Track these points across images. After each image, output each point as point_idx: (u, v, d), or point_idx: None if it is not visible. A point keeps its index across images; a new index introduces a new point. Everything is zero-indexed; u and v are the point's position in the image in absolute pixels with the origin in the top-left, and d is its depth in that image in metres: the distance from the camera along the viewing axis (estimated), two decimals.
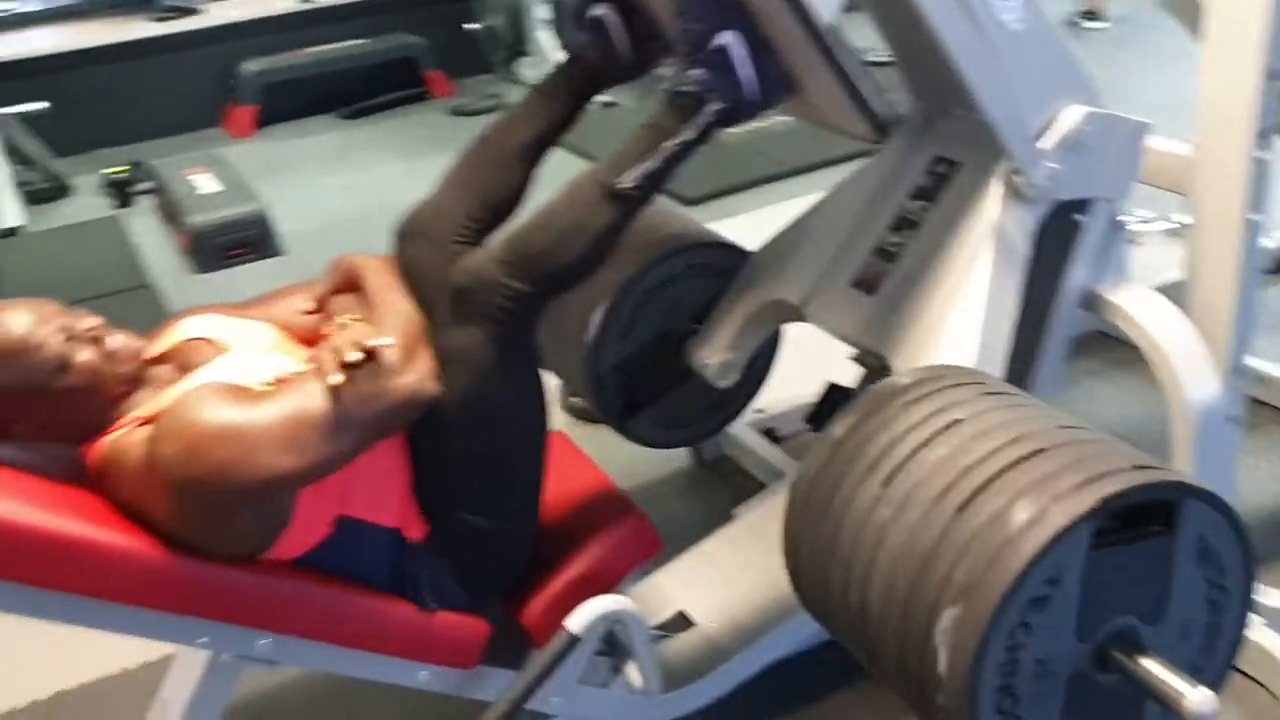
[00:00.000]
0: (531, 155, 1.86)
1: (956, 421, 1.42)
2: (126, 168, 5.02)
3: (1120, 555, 1.33)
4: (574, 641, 1.63)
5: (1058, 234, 1.93)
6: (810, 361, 2.30)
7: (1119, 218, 1.96)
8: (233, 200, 4.42)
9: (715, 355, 2.16)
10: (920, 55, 1.85)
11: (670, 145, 1.61)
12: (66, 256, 4.44)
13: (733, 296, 2.19)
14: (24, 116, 5.25)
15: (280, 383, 1.50)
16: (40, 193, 5.22)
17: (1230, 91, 1.85)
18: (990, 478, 1.33)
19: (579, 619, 1.63)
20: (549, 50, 5.93)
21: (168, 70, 5.90)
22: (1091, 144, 1.84)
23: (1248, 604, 1.41)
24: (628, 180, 1.60)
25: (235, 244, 4.24)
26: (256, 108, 5.84)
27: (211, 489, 1.39)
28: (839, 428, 1.52)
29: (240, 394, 1.46)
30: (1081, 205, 1.91)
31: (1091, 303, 1.98)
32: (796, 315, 2.08)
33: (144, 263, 4.36)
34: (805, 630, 1.91)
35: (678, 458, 2.77)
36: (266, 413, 1.42)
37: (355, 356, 1.44)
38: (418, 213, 1.84)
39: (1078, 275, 1.95)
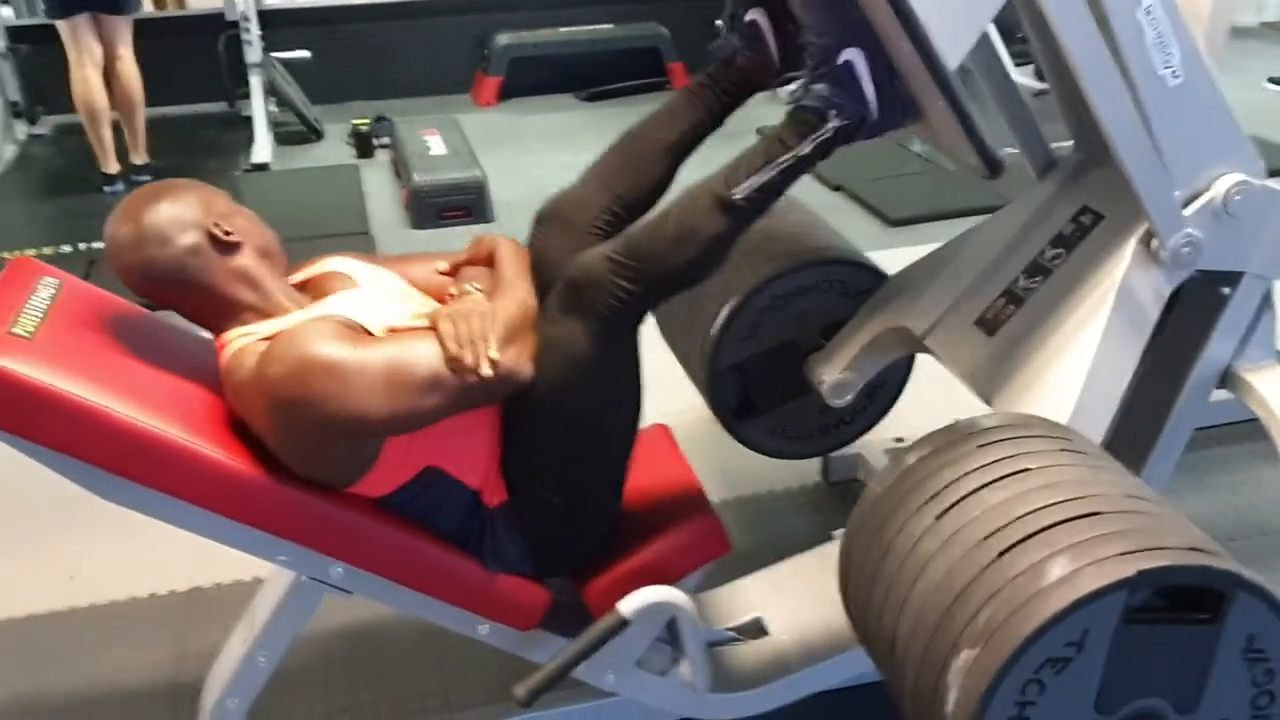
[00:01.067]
0: (676, 154, 1.90)
1: (1025, 470, 1.42)
2: (368, 121, 5.36)
3: (1157, 635, 1.30)
4: (622, 623, 1.69)
5: (1200, 304, 1.86)
6: (955, 394, 2.27)
7: (1272, 295, 1.86)
8: (456, 164, 4.67)
9: (832, 373, 2.16)
10: (1077, 99, 1.80)
11: (785, 158, 1.62)
12: (301, 196, 4.80)
13: (861, 318, 2.19)
14: (289, 63, 5.69)
15: (394, 332, 1.62)
16: (295, 135, 5.67)
17: None
18: (1039, 529, 1.32)
19: (630, 603, 1.69)
20: None
21: (428, 33, 6.27)
22: (1243, 215, 1.75)
23: None
24: (740, 191, 1.63)
25: (451, 206, 4.49)
26: (501, 79, 6.12)
27: (304, 415, 1.52)
28: (912, 456, 1.53)
29: (355, 334, 1.58)
30: (1230, 277, 1.83)
31: (1228, 381, 1.89)
32: (918, 345, 2.07)
33: (369, 212, 4.66)
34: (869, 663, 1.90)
35: (809, 475, 2.78)
36: (372, 357, 1.54)
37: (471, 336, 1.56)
38: (559, 199, 1.91)
39: (1217, 349, 1.87)
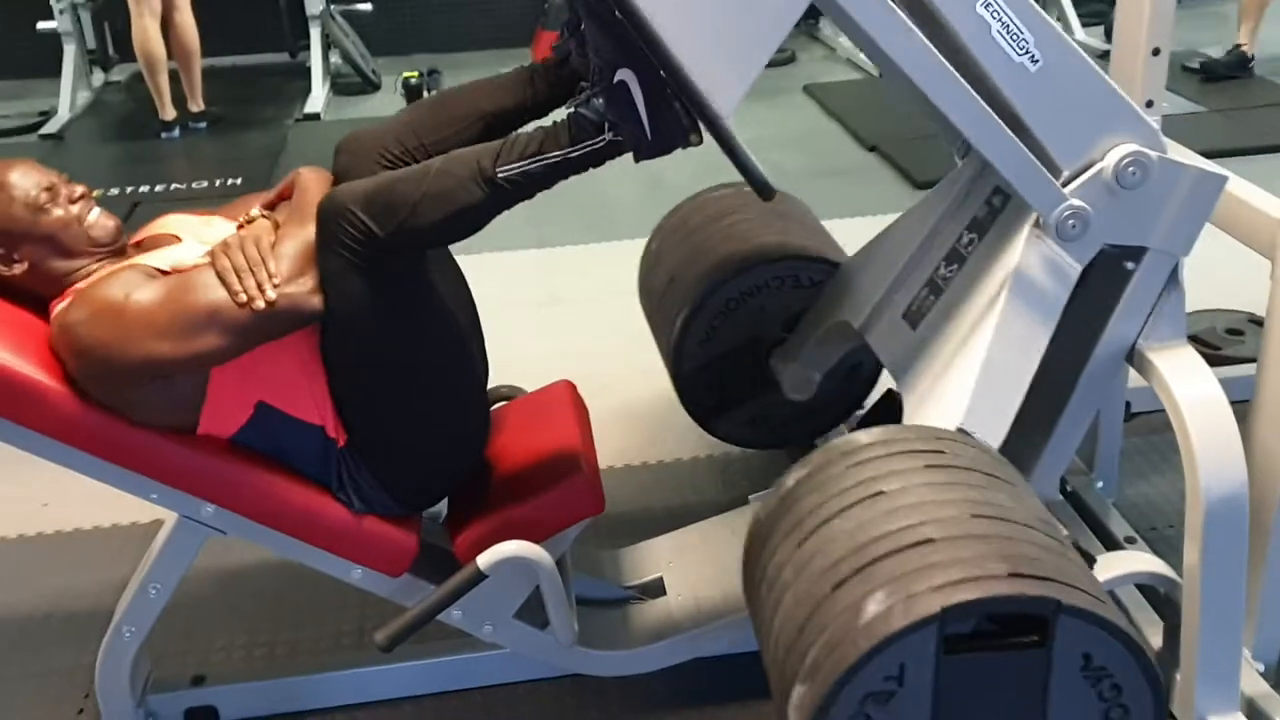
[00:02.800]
0: (488, 125, 1.84)
1: (878, 494, 1.44)
2: (418, 73, 5.43)
3: (985, 662, 1.30)
4: (480, 577, 1.72)
5: (1105, 280, 1.79)
6: None
7: (1180, 273, 1.78)
8: None
9: (791, 367, 2.16)
10: None
11: (554, 156, 1.60)
12: None
13: (814, 311, 2.19)
14: (350, 15, 5.79)
15: (177, 271, 1.65)
16: (353, 86, 5.78)
17: None
18: (868, 562, 1.34)
19: (488, 557, 1.72)
20: None
21: None
22: (1140, 188, 1.67)
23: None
24: (504, 171, 1.60)
25: None
26: (558, 34, 6.11)
27: (98, 359, 1.59)
28: (791, 478, 1.55)
29: (144, 278, 1.63)
30: (1133, 252, 1.75)
31: (1134, 360, 1.82)
32: (860, 339, 2.04)
33: None
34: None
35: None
36: (152, 296, 1.59)
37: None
38: (358, 131, 1.89)
39: (1122, 327, 1.80)
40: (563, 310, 3.45)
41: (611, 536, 2.25)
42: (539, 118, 1.84)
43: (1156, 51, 1.89)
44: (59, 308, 1.67)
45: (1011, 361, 1.70)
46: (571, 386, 2.10)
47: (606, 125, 1.57)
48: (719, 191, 2.51)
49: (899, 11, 1.54)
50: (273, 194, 1.84)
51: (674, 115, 1.55)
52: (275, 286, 1.59)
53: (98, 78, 5.91)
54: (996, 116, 1.61)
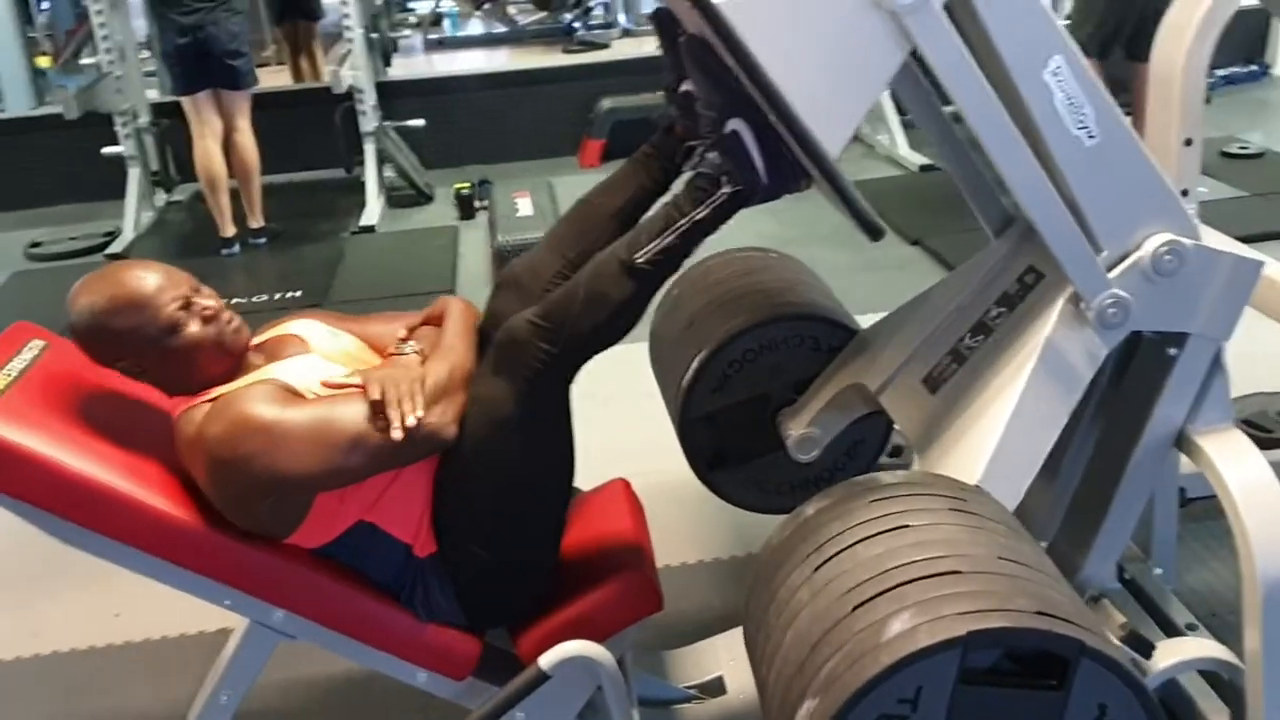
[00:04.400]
0: (622, 219, 1.96)
1: (904, 527, 1.45)
2: (469, 184, 5.60)
3: (1000, 698, 1.30)
4: (542, 678, 1.75)
5: (1150, 365, 1.82)
6: None
7: (1223, 357, 1.80)
8: (539, 225, 4.83)
9: (798, 428, 2.18)
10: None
11: (683, 223, 1.67)
12: (398, 256, 5.06)
13: (827, 374, 2.21)
14: (405, 130, 6.00)
15: (328, 391, 1.73)
16: (407, 198, 5.96)
17: None
18: (894, 585, 1.35)
19: (550, 657, 1.74)
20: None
21: (536, 99, 6.52)
22: (1177, 276, 1.71)
23: None
24: (643, 256, 1.69)
25: None
26: (605, 142, 6.29)
27: (237, 472, 1.65)
28: (811, 507, 1.57)
29: (290, 396, 1.70)
30: (1175, 338, 1.78)
31: (1183, 444, 1.84)
32: (874, 402, 2.07)
33: (460, 270, 4.87)
34: None
35: None
36: (298, 417, 1.66)
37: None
38: (514, 265, 2.02)
39: (1168, 411, 1.82)
40: (614, 409, 3.49)
41: (670, 636, 2.26)
42: (664, 192, 1.96)
43: (1189, 142, 1.93)
44: (187, 412, 1.73)
45: (1032, 432, 1.73)
46: (627, 485, 2.15)
47: (723, 178, 1.65)
48: (746, 251, 2.55)
49: (979, 73, 1.59)
50: (419, 318, 1.94)
51: (785, 161, 1.63)
52: (419, 418, 1.66)
53: (160, 198, 6.14)
54: (1057, 193, 1.65)
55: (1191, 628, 2.23)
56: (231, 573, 1.74)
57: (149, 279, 1.73)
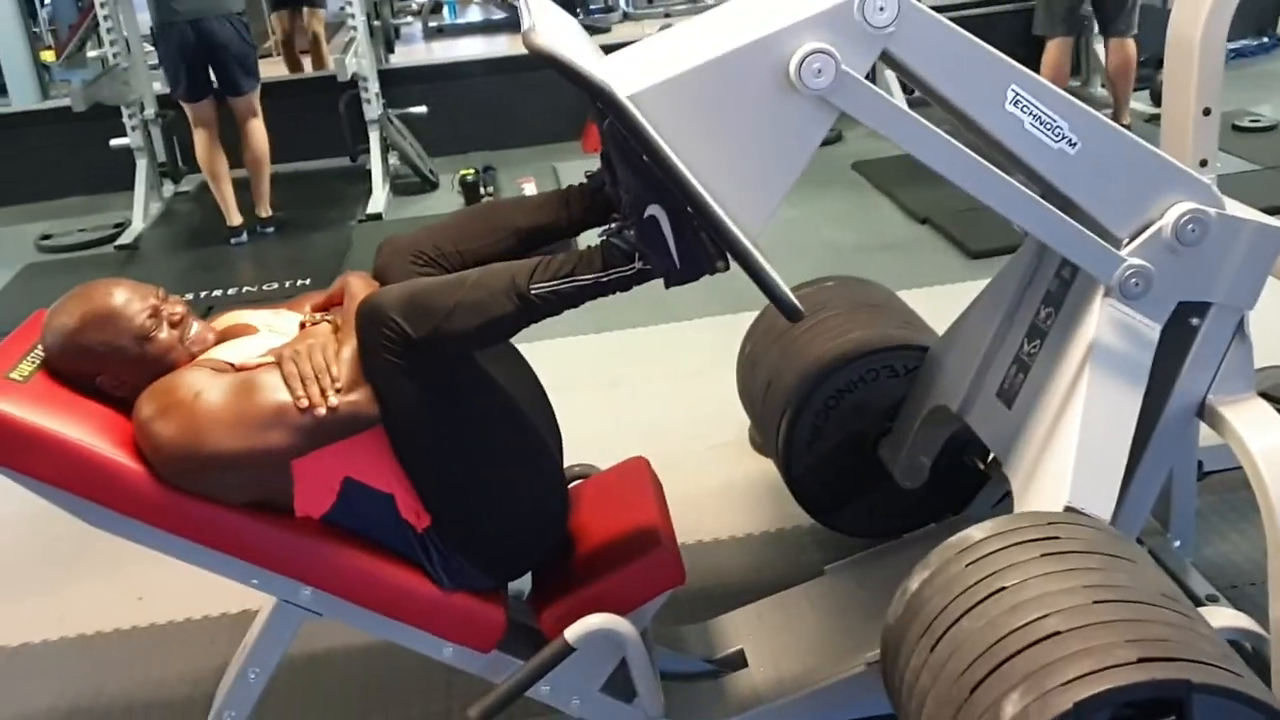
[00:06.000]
0: (521, 241, 1.92)
1: (1001, 590, 1.47)
2: (474, 170, 5.59)
3: None
4: (568, 649, 1.76)
5: (1172, 337, 1.82)
6: None
7: (1246, 326, 1.80)
8: None
9: (900, 458, 2.21)
10: None
11: (587, 279, 1.66)
12: None
13: (913, 398, 2.24)
14: (408, 118, 6.00)
15: (245, 368, 1.74)
16: (412, 185, 5.95)
17: None
18: (1003, 661, 1.38)
19: (575, 630, 1.76)
20: None
21: (539, 84, 6.45)
22: (1200, 245, 1.71)
23: None
24: (538, 289, 1.66)
25: None
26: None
27: (168, 454, 1.67)
28: (915, 580, 1.60)
29: (217, 374, 1.72)
30: (1197, 308, 1.78)
31: (1205, 414, 1.84)
32: (960, 422, 2.08)
33: None
34: (841, 703, 1.94)
35: None
36: (219, 396, 1.67)
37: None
38: (397, 235, 1.97)
39: (1191, 382, 1.82)
40: (625, 392, 3.51)
41: (691, 611, 2.27)
42: (569, 237, 1.93)
43: (1207, 111, 1.94)
44: (139, 397, 1.75)
45: (1107, 431, 1.73)
46: (646, 462, 2.15)
47: (637, 255, 1.64)
48: (802, 289, 2.53)
49: (931, 127, 1.61)
50: (322, 297, 1.93)
51: (700, 246, 1.61)
52: (337, 392, 1.67)
53: (168, 189, 6.14)
54: (1043, 201, 1.67)
55: (1212, 599, 2.25)
56: (258, 551, 1.75)
57: (116, 293, 1.79)
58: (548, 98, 6.46)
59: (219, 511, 1.72)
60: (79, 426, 1.70)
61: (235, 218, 5.28)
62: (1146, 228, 1.71)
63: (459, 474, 1.78)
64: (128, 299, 1.78)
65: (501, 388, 1.82)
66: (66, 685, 2.43)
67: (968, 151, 1.63)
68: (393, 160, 6.01)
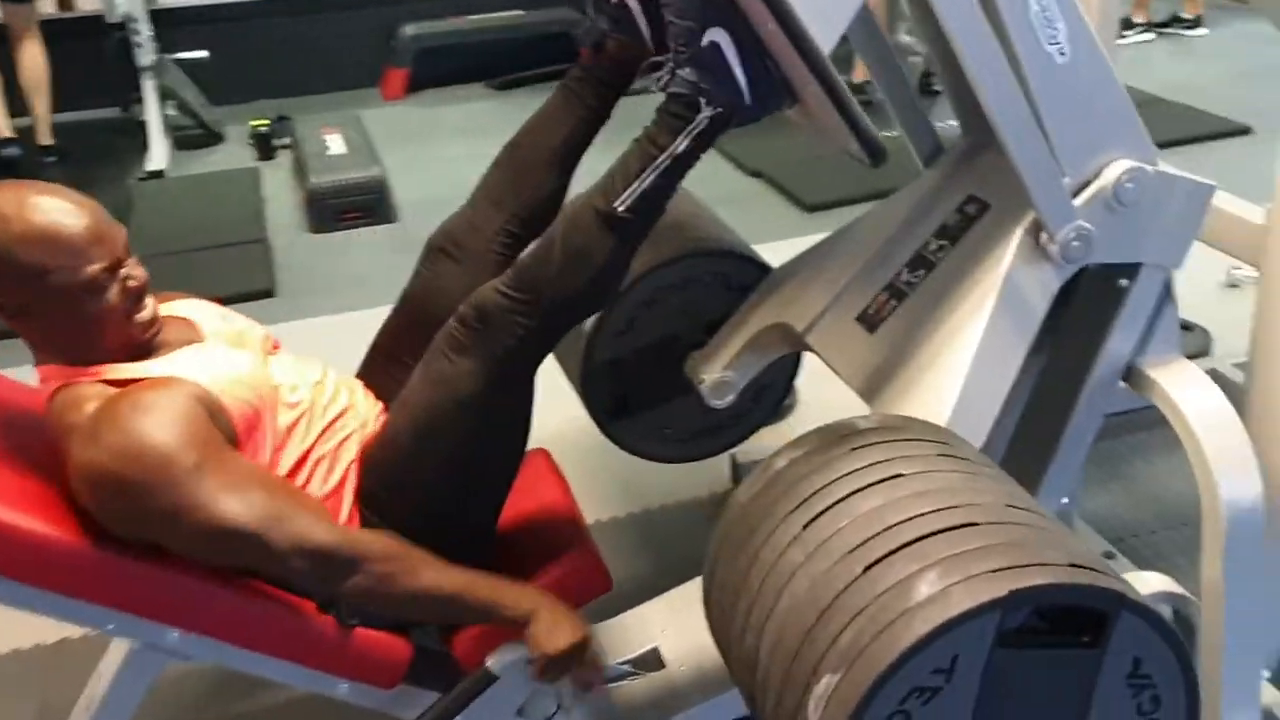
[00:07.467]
0: (564, 158, 1.79)
1: (898, 476, 1.31)
2: (268, 121, 5.16)
3: (1034, 660, 1.19)
4: (490, 679, 1.57)
5: (1099, 298, 1.75)
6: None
7: (1173, 286, 1.76)
8: (355, 164, 4.49)
9: (713, 372, 2.05)
10: (962, 80, 1.69)
11: (663, 159, 1.49)
12: (198, 204, 4.61)
13: (742, 314, 2.08)
14: (184, 63, 5.48)
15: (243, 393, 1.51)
16: (193, 139, 5.45)
17: None
18: (909, 541, 1.21)
19: (500, 658, 1.57)
20: None
21: (332, 27, 6.07)
22: (1136, 204, 1.64)
23: None
24: (622, 203, 1.50)
25: (350, 207, 4.32)
26: (409, 71, 5.93)
27: (124, 500, 1.40)
28: (782, 459, 1.42)
29: (209, 431, 1.44)
30: (1127, 269, 1.72)
31: (1132, 376, 1.79)
32: (800, 343, 1.96)
33: (268, 217, 4.48)
34: None
35: (718, 481, 2.66)
36: (217, 484, 1.41)
37: None
38: (449, 226, 1.81)
39: (1118, 344, 1.77)
40: None
41: (591, 610, 2.09)
42: (605, 120, 1.79)
43: None
44: (70, 388, 1.45)
45: (995, 369, 1.65)
46: (547, 455, 1.96)
47: (702, 100, 1.46)
48: None
49: None
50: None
51: (769, 76, 1.46)
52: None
53: None
54: (1030, 113, 1.55)
55: (1110, 556, 2.24)
56: (116, 594, 1.46)
57: (82, 220, 1.43)
58: (344, 41, 6.07)
59: (69, 549, 1.42)
60: None
61: (4, 130, 4.78)
62: (1088, 183, 1.63)
63: (441, 496, 1.61)
64: (93, 235, 1.43)
65: (531, 412, 1.64)
66: None
67: (988, 25, 1.49)
68: (170, 111, 5.48)
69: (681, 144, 1.49)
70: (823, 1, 1.41)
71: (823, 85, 1.45)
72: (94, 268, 1.42)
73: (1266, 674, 1.87)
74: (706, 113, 1.47)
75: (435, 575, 1.49)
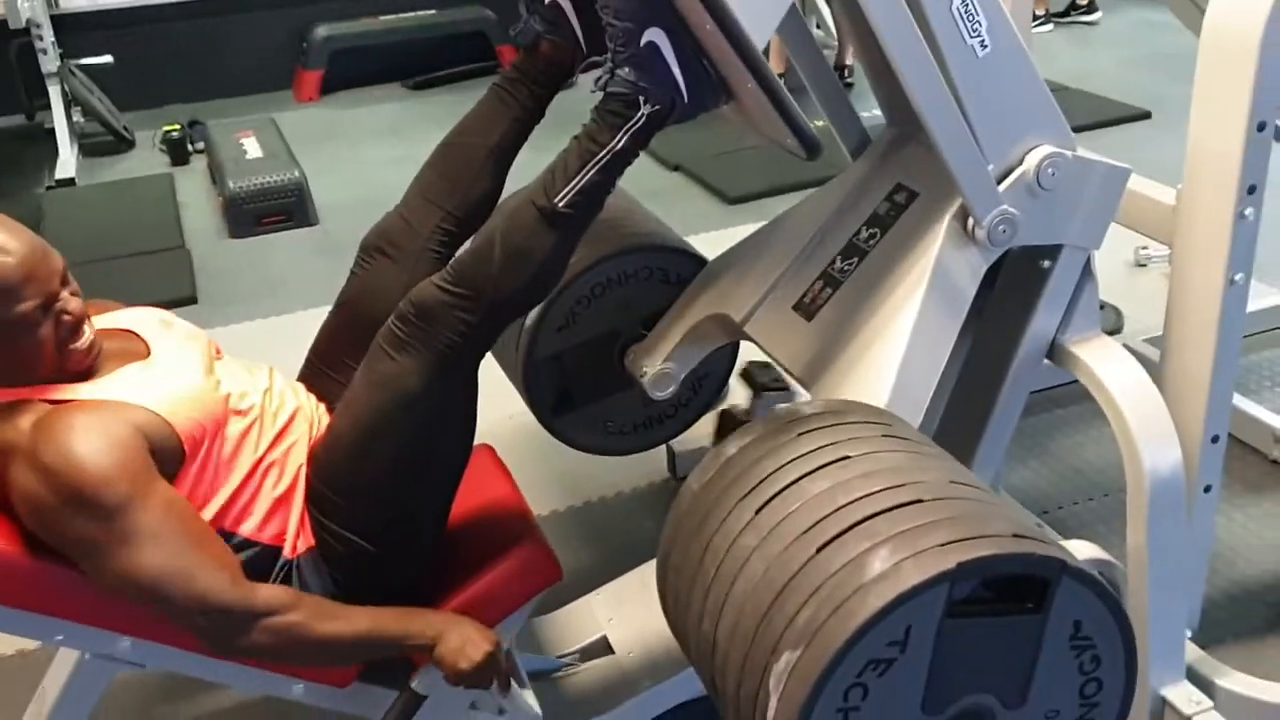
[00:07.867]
0: (499, 157, 1.80)
1: (845, 458, 1.35)
2: (178, 125, 5.08)
3: (982, 628, 1.24)
4: (419, 700, 1.59)
5: (1022, 279, 1.82)
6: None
7: (1093, 265, 1.83)
8: (273, 167, 4.44)
9: (653, 364, 2.08)
10: (886, 70, 1.74)
11: (603, 156, 1.51)
12: (112, 212, 4.52)
13: (680, 306, 2.11)
14: (91, 69, 5.36)
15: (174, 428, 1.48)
16: (104, 145, 5.33)
17: (1217, 142, 1.70)
18: (859, 520, 1.25)
19: (422, 679, 1.59)
20: None
21: (243, 29, 5.97)
22: (1058, 188, 1.71)
23: (1126, 702, 1.31)
24: (563, 199, 1.51)
25: (270, 211, 4.27)
26: (322, 73, 5.88)
27: (54, 525, 1.39)
28: (732, 446, 1.45)
29: (147, 467, 1.42)
30: (1049, 251, 1.79)
31: (1055, 354, 1.86)
32: (739, 333, 1.99)
33: (185, 224, 4.41)
34: None
35: (656, 472, 2.70)
36: (151, 525, 1.40)
37: None
38: (384, 226, 1.81)
39: (1042, 323, 1.83)
40: None
41: (538, 602, 2.11)
42: (539, 119, 1.81)
43: (1262, 127, 1.66)
44: (5, 414, 1.43)
45: (929, 351, 1.70)
46: (491, 450, 1.97)
47: (641, 98, 1.49)
48: None
49: None
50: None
51: (705, 74, 1.49)
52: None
53: None
54: (955, 104, 1.59)
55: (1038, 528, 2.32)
56: (65, 604, 1.45)
57: (12, 258, 1.39)
58: (254, 43, 5.98)
59: (11, 559, 1.41)
60: None
61: None
62: (1010, 170, 1.69)
63: (389, 496, 1.60)
64: (29, 273, 1.39)
65: (476, 410, 1.65)
66: None
67: (913, 20, 1.53)
68: (77, 118, 5.36)
69: (621, 141, 1.52)
70: (753, 5, 1.44)
71: (760, 83, 1.49)
72: (26, 305, 1.40)
73: (1189, 632, 1.97)
74: (645, 110, 1.51)
75: (338, 623, 1.49)
